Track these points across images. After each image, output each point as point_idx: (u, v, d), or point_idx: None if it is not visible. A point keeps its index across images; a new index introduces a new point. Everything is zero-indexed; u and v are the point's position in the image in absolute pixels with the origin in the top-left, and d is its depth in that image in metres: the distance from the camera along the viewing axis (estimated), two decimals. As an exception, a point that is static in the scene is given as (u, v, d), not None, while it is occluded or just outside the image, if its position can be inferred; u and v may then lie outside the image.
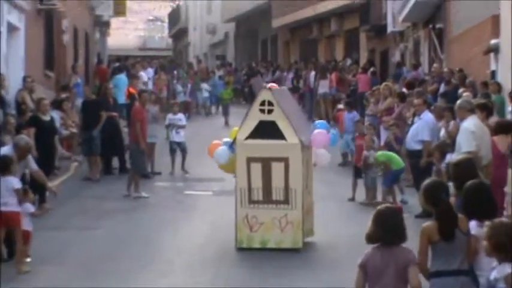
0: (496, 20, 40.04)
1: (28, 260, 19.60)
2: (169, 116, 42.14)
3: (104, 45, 71.61)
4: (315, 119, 46.42)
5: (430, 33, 55.55)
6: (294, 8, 74.95)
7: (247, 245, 19.49)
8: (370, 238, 12.20)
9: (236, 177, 20.20)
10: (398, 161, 31.52)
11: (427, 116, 30.85)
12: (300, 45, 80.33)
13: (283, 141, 19.44)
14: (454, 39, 49.78)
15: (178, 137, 39.81)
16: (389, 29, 61.87)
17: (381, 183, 31.81)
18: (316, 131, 23.41)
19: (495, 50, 40.06)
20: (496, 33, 39.63)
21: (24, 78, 40.29)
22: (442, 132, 29.03)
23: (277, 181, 19.28)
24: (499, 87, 35.70)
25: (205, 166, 33.65)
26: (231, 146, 20.64)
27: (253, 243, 19.50)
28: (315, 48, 76.49)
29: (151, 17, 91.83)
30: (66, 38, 53.47)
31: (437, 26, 53.78)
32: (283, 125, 19.28)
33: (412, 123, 32.49)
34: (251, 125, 19.73)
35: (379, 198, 30.81)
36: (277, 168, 19.30)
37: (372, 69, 57.07)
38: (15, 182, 21.18)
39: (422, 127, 30.06)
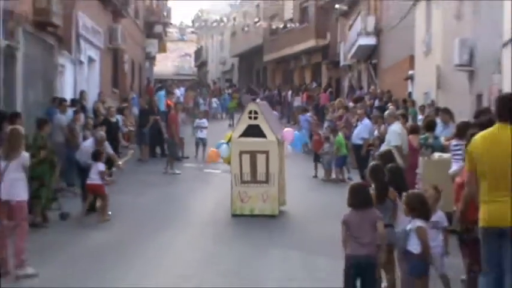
0: (412, 58, 46.30)
1: (109, 213, 23.74)
2: (197, 120, 46.45)
3: (151, 72, 74.57)
4: (292, 122, 55.10)
5: (369, 66, 61.07)
6: (278, 48, 79.78)
7: (239, 212, 22.11)
8: (350, 204, 14.04)
9: (231, 165, 22.75)
10: (344, 149, 35.42)
11: (366, 121, 35.61)
12: (282, 73, 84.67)
13: (264, 139, 22.10)
14: (384, 70, 55.67)
15: (202, 134, 44.34)
16: (342, 63, 66.87)
17: (334, 165, 35.48)
18: (285, 129, 27.38)
19: (411, 78, 46.61)
20: (412, 67, 46.11)
21: (99, 94, 44.62)
22: (376, 132, 32.12)
23: (261, 167, 21.97)
24: (413, 103, 41.25)
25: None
26: (228, 143, 23.24)
27: (244, 211, 22.11)
28: (291, 75, 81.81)
29: (183, 53, 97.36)
30: (126, 67, 57.00)
31: (373, 61, 59.72)
32: (264, 128, 22.11)
33: (356, 126, 36.82)
34: (242, 127, 22.52)
35: (333, 176, 35.39)
36: (260, 158, 22.01)
37: (329, 89, 65.10)
38: (101, 167, 25.49)
39: (364, 129, 34.66)
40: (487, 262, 11.73)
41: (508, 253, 11.29)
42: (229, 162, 24.05)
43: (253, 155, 21.73)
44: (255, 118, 21.77)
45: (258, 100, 36.49)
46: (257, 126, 21.75)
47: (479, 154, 11.69)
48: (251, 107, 23.01)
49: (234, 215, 21.81)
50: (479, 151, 11.70)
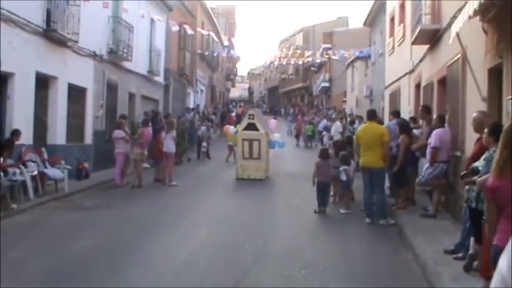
0: (345, 92, 46.29)
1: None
2: None
3: (228, 96, 73.36)
4: (289, 118, 50.51)
5: (327, 94, 59.52)
6: (285, 86, 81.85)
7: (241, 176, 19.82)
8: (319, 156, 14.05)
9: (237, 148, 20.73)
10: (310, 132, 36.17)
11: (324, 120, 35.23)
12: (287, 98, 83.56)
13: (258, 132, 20.14)
14: (333, 97, 54.76)
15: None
16: (314, 93, 67.01)
17: (308, 139, 36.33)
18: (271, 121, 26.28)
19: (345, 101, 45.97)
20: (345, 96, 46.27)
21: (205, 105, 45.07)
22: (334, 127, 28.19)
23: (255, 149, 19.97)
24: (345, 113, 38.85)
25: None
26: (236, 132, 21.22)
27: (244, 176, 19.81)
28: (291, 99, 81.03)
29: (243, 88, 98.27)
30: (217, 93, 57.20)
31: (328, 93, 58.08)
32: (258, 125, 20.36)
33: (319, 122, 37.13)
34: (244, 124, 20.57)
35: (304, 144, 35.87)
36: (255, 144, 20.02)
37: (308, 105, 65.57)
38: (205, 144, 26.28)
39: (323, 124, 34.02)
40: (365, 185, 12.64)
41: (372, 179, 12.38)
42: (233, 142, 22.62)
43: (250, 141, 20.19)
44: (252, 119, 20.46)
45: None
46: (253, 124, 20.40)
47: (360, 134, 12.81)
48: (250, 112, 21.45)
49: (238, 179, 19.87)
50: (361, 133, 12.79)
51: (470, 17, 8.05)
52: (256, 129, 20.42)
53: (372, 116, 13.18)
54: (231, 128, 23.30)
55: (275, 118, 34.75)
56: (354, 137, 13.93)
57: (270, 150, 21.78)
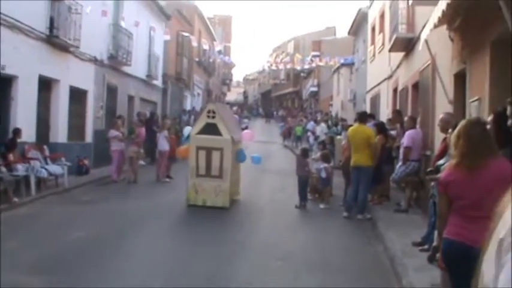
0: (332, 96, 45.94)
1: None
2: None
3: (224, 99, 67.67)
4: (280, 122, 50.96)
5: (315, 98, 59.17)
6: (277, 91, 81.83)
7: (193, 202, 13.31)
8: (300, 154, 14.34)
9: (189, 159, 13.73)
10: (299, 133, 35.67)
11: (311, 122, 35.61)
12: (279, 101, 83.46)
13: (220, 137, 13.41)
14: (320, 101, 54.68)
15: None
16: (304, 97, 67.24)
17: (296, 139, 35.51)
18: (245, 131, 17.42)
19: (331, 105, 45.85)
20: (331, 100, 45.89)
21: (200, 108, 40.06)
22: (319, 128, 29.69)
23: (215, 163, 13.40)
24: (331, 116, 39.55)
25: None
26: (187, 138, 14.30)
27: (197, 201, 13.28)
28: (282, 102, 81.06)
29: (239, 92, 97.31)
30: (213, 97, 53.57)
31: (316, 97, 58.10)
32: (221, 126, 13.46)
33: (307, 123, 36.91)
34: (200, 125, 13.73)
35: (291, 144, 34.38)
36: (215, 155, 13.41)
37: (298, 109, 64.59)
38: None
39: (311, 125, 34.01)
40: (352, 182, 12.59)
41: (360, 177, 12.25)
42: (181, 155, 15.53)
43: (209, 151, 13.46)
44: (213, 117, 13.57)
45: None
46: (214, 125, 13.52)
47: (350, 135, 12.62)
48: (210, 107, 14.37)
49: (190, 205, 13.28)
50: (351, 135, 12.60)
51: (435, 25, 8.05)
52: (218, 133, 13.56)
53: (362, 118, 13.05)
54: (186, 129, 16.00)
55: (246, 127, 33.69)
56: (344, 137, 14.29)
57: (239, 164, 15.09)
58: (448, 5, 6.99)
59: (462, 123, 4.47)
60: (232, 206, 13.49)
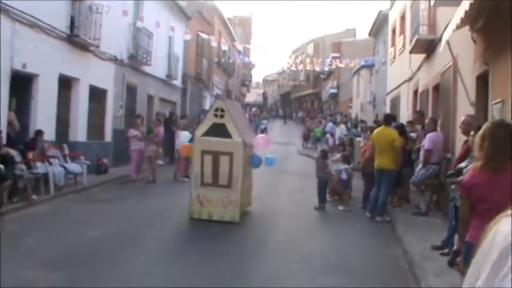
0: (351, 98, 45.67)
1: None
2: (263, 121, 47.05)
3: (243, 100, 68.28)
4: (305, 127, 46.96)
5: (334, 100, 59.13)
6: (297, 92, 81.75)
7: (197, 215, 11.32)
8: (318, 156, 14.01)
9: (192, 165, 12.02)
10: (319, 134, 35.76)
11: (330, 124, 35.33)
12: (298, 102, 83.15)
13: (229, 140, 11.45)
14: (340, 103, 54.39)
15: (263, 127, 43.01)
16: (323, 99, 66.86)
17: (316, 141, 35.76)
18: (258, 136, 14.04)
19: (351, 107, 45.46)
20: (351, 102, 45.68)
21: None
22: (338, 130, 29.35)
23: (223, 170, 11.43)
24: (350, 118, 39.06)
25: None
26: (191, 140, 11.97)
27: (202, 215, 11.32)
28: (302, 104, 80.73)
29: (258, 93, 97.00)
30: (232, 98, 49.21)
31: (336, 99, 58.32)
32: (230, 127, 11.48)
33: (325, 125, 36.92)
34: (206, 125, 11.73)
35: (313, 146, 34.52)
36: (224, 160, 11.45)
37: (319, 111, 63.06)
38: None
39: (330, 127, 33.75)
40: (376, 183, 12.34)
41: (382, 179, 12.13)
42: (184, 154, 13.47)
43: (216, 155, 11.55)
44: (221, 116, 11.64)
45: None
46: (223, 126, 11.60)
47: (375, 138, 12.41)
48: (217, 104, 12.07)
49: (193, 219, 11.36)
50: (375, 138, 12.38)
51: (458, 26, 7.93)
52: (227, 135, 11.64)
53: (387, 120, 12.84)
54: (182, 134, 14.27)
55: (265, 129, 34.26)
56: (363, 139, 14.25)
57: (251, 170, 13.11)
58: (471, 5, 6.89)
59: (487, 125, 4.38)
60: (243, 219, 11.56)
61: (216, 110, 11.74)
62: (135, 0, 21.79)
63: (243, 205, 11.94)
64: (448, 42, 9.84)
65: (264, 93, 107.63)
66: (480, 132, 4.32)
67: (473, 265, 1.26)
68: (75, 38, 16.05)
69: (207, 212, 11.42)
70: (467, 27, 9.37)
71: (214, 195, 11.44)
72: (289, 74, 78.92)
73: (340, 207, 13.51)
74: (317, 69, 49.53)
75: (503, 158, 4.12)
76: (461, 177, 6.16)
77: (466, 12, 7.03)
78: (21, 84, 13.81)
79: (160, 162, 19.07)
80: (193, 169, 11.77)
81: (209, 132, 11.67)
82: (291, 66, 50.35)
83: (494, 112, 8.16)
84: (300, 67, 48.49)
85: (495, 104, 8.16)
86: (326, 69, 50.36)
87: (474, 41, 9.71)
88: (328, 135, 31.26)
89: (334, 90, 57.69)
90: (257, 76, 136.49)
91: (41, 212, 11.64)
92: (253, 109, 60.36)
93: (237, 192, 11.48)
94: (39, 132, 13.81)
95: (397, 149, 12.01)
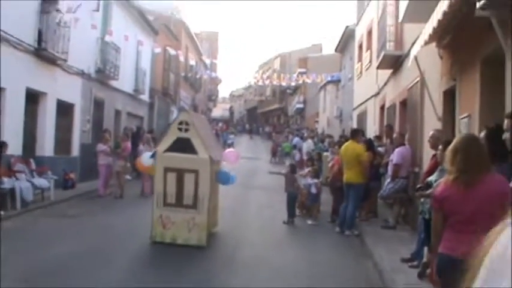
0: (317, 113, 46.17)
1: None
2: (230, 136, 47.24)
3: (210, 115, 71.43)
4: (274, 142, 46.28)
5: (301, 115, 59.56)
6: (263, 107, 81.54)
7: (160, 239, 10.35)
8: (289, 170, 14.32)
9: (154, 183, 10.94)
10: (288, 149, 35.91)
11: (297, 138, 34.80)
12: (265, 118, 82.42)
13: (195, 156, 10.42)
14: (307, 118, 54.21)
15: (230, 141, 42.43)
16: (289, 114, 66.64)
17: (283, 156, 36.01)
18: (228, 151, 13.77)
19: (317, 121, 45.84)
20: (317, 116, 46.13)
21: None
22: (305, 144, 28.57)
23: (188, 189, 10.39)
24: (317, 133, 38.37)
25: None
26: (153, 156, 10.87)
27: (165, 238, 10.35)
28: (268, 119, 79.71)
29: (225, 108, 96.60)
30: (199, 112, 58.31)
31: (302, 114, 58.40)
32: (196, 142, 10.48)
33: (293, 139, 36.51)
34: (169, 140, 10.71)
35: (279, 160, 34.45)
36: (189, 179, 10.38)
37: (286, 126, 62.92)
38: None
39: (296, 141, 33.35)
40: (345, 197, 12.52)
41: (350, 193, 12.27)
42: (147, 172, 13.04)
43: (180, 173, 10.52)
44: (186, 130, 10.67)
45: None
46: (187, 140, 10.63)
47: (342, 152, 12.63)
48: (182, 117, 11.12)
49: (155, 242, 10.37)
50: (343, 152, 12.61)
51: (426, 42, 8.12)
52: (193, 151, 10.62)
53: (353, 135, 13.05)
54: (143, 155, 12.17)
55: (232, 143, 34.30)
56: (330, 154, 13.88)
57: (218, 187, 12.20)
58: (439, 22, 7.04)
59: (458, 139, 4.50)
60: (209, 241, 10.67)
61: (180, 123, 10.72)
62: (104, 15, 21.64)
63: (209, 226, 10.86)
64: (416, 58, 10.03)
65: (230, 108, 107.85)
66: (451, 146, 4.43)
67: (484, 270, 1.27)
68: (43, 52, 15.90)
69: (170, 235, 10.39)
70: (433, 44, 9.54)
71: (179, 217, 10.42)
72: (255, 89, 79.32)
73: (309, 222, 13.57)
74: (284, 84, 49.77)
75: (475, 172, 4.23)
76: (430, 190, 6.28)
77: (434, 29, 7.19)
78: (-13, 99, 13.40)
79: (128, 177, 18.85)
80: (155, 188, 10.65)
81: (172, 148, 10.64)
82: (258, 81, 50.45)
83: (462, 126, 8.32)
84: (267, 82, 48.62)
85: (462, 118, 8.33)
86: (293, 84, 50.63)
87: (441, 57, 9.93)
88: (295, 150, 31.29)
89: (301, 105, 58.04)
90: (224, 91, 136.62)
91: (8, 227, 11.45)
92: (220, 124, 60.30)
93: (204, 213, 10.46)
94: (3, 144, 13.49)
95: (363, 163, 12.13)
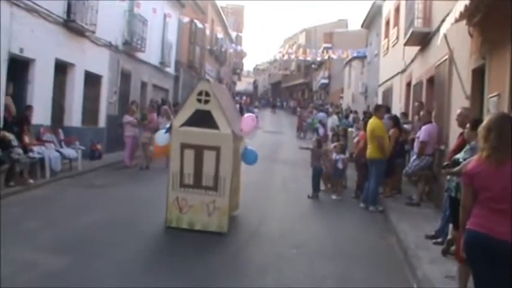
0: (342, 89, 46.11)
1: None
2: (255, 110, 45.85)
3: (234, 88, 68.77)
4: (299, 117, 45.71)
5: (325, 90, 59.65)
6: (288, 82, 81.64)
7: (175, 224, 9.13)
8: (314, 146, 13.84)
9: (170, 162, 9.49)
10: (314, 124, 34.06)
11: (321, 113, 33.48)
12: (289, 92, 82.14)
13: (216, 131, 9.07)
14: (331, 94, 54.37)
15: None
16: (314, 89, 67.20)
17: (309, 131, 34.99)
18: (246, 116, 10.71)
19: (342, 97, 45.73)
20: (342, 92, 46.24)
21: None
22: (330, 120, 28.95)
23: (208, 168, 9.06)
24: (341, 108, 37.95)
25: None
26: (167, 131, 9.53)
27: (181, 223, 9.11)
28: (292, 93, 79.73)
29: (249, 82, 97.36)
30: (224, 86, 58.99)
31: (327, 89, 58.33)
32: (217, 116, 9.12)
33: (317, 114, 34.06)
34: (187, 113, 9.28)
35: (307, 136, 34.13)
36: (209, 156, 9.05)
37: (310, 101, 61.48)
38: None
39: (321, 116, 31.94)
40: (369, 173, 12.46)
41: (371, 168, 12.30)
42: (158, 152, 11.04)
43: (199, 151, 9.13)
44: (206, 102, 9.23)
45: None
46: (208, 113, 9.21)
47: (366, 128, 12.56)
48: (201, 86, 9.47)
49: (169, 227, 9.16)
50: (365, 128, 12.73)
51: (456, 20, 8.05)
52: (214, 126, 9.29)
53: (375, 110, 13.04)
54: (157, 134, 10.38)
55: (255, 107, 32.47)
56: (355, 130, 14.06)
57: (240, 166, 10.87)
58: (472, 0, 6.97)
59: (492, 117, 4.50)
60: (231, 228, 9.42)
61: (200, 93, 9.33)
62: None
63: (230, 210, 9.52)
64: (445, 36, 9.96)
65: (254, 82, 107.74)
66: (485, 123, 4.44)
67: None
68: (72, 23, 15.99)
69: (187, 219, 9.19)
70: (463, 22, 9.46)
71: (197, 200, 9.18)
72: (280, 63, 79.04)
73: (333, 197, 13.57)
74: (309, 59, 49.59)
75: (507, 150, 4.26)
76: (457, 168, 6.27)
77: (465, 6, 7.14)
78: (18, 69, 13.80)
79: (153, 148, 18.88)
80: (170, 167, 9.37)
81: (191, 122, 9.29)
82: (283, 55, 50.37)
83: (490, 105, 8.28)
84: (292, 56, 48.44)
85: (491, 97, 8.28)
86: (318, 59, 50.38)
87: (471, 35, 9.82)
88: (319, 125, 31.24)
89: (326, 81, 57.81)
90: (248, 65, 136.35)
91: (38, 196, 11.71)
92: (244, 97, 60.34)
93: (225, 195, 9.19)
94: (28, 108, 13.73)
95: (378, 138, 12.09)
